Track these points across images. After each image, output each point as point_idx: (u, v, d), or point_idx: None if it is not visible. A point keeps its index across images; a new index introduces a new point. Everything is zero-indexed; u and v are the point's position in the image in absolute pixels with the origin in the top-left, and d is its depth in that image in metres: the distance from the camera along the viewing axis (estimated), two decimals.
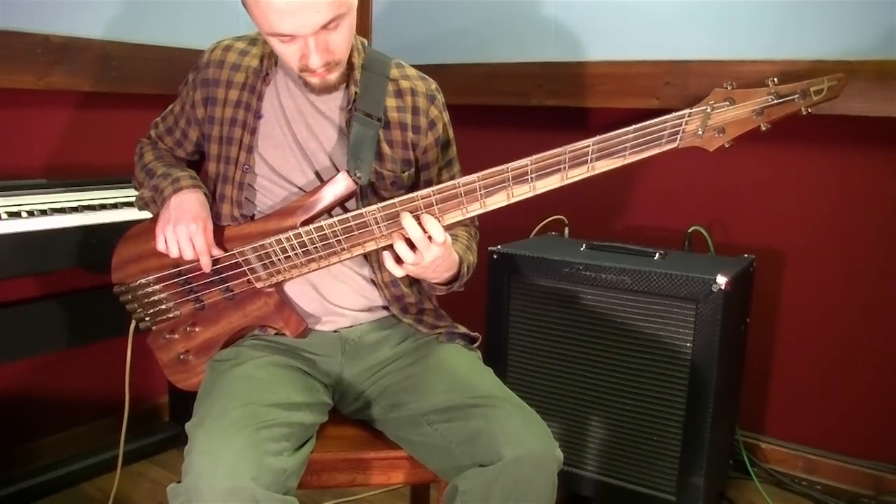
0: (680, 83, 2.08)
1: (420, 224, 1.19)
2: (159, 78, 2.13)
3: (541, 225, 2.18)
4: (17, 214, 1.63)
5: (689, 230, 2.08)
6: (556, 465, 1.17)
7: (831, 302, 2.07)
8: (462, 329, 1.41)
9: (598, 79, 2.21)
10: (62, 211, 1.71)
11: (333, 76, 1.26)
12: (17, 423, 2.07)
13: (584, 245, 1.99)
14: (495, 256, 1.96)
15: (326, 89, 1.29)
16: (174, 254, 1.28)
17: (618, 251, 1.94)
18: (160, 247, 1.30)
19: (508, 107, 2.42)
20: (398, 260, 1.21)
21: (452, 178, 1.45)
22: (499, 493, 1.13)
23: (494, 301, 1.98)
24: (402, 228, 1.19)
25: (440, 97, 1.42)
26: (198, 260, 1.29)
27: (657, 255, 1.89)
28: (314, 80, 1.25)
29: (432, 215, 1.19)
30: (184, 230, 1.27)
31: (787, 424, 2.18)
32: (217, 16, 2.32)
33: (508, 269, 1.94)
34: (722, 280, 1.69)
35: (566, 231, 2.20)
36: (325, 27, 1.16)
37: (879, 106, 1.83)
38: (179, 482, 1.09)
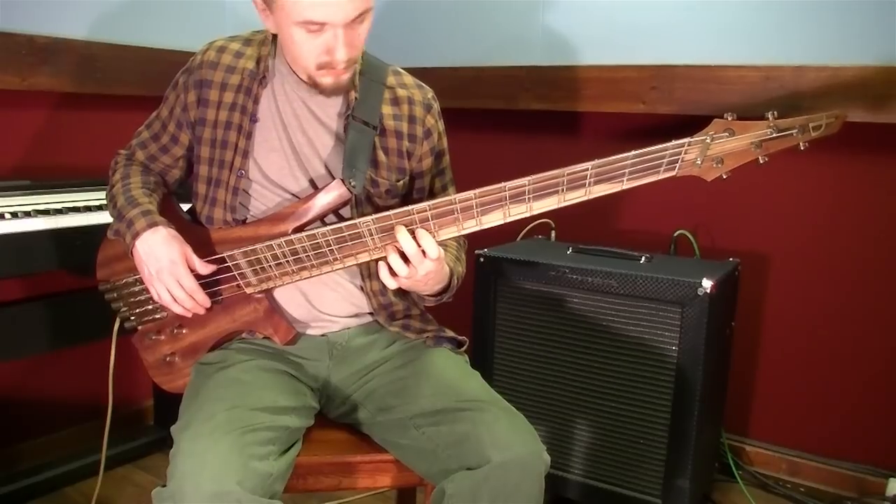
0: (666, 87, 2.09)
1: (414, 238, 1.18)
2: (144, 79, 2.12)
3: (527, 228, 2.18)
4: (0, 216, 1.62)
5: (675, 234, 2.09)
6: (543, 469, 1.17)
7: (816, 305, 2.09)
8: (449, 333, 1.41)
9: (584, 83, 2.22)
10: (46, 212, 1.69)
11: (347, 76, 1.23)
12: None
13: (570, 248, 2.00)
14: (482, 259, 1.96)
15: (336, 90, 1.25)
16: (173, 305, 1.27)
17: (604, 255, 1.94)
18: (158, 300, 1.28)
19: (495, 110, 2.42)
20: (392, 272, 1.20)
21: (444, 186, 1.45)
22: (486, 496, 1.13)
23: (481, 304, 1.98)
24: (397, 241, 1.18)
25: (436, 106, 1.41)
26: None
27: (643, 258, 1.90)
28: (327, 80, 1.22)
29: (427, 230, 1.19)
30: (167, 276, 1.24)
31: (771, 427, 2.19)
32: (203, 16, 2.29)
33: (495, 272, 1.95)
34: (707, 284, 1.70)
35: (553, 234, 2.20)
36: (353, 20, 1.15)
37: (861, 111, 1.85)
38: (164, 486, 1.09)
